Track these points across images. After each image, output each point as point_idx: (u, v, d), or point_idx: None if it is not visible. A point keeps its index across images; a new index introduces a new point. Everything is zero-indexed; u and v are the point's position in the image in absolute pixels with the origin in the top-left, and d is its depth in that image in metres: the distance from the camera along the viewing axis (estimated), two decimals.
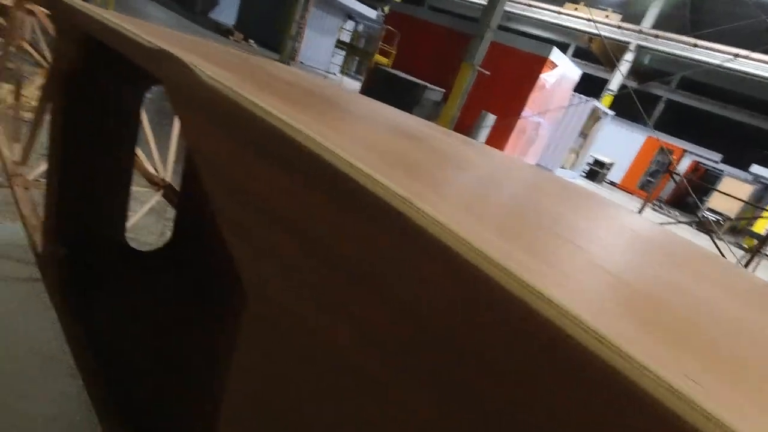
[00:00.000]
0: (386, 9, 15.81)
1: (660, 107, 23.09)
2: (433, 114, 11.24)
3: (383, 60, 12.98)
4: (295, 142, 0.34)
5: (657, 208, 16.71)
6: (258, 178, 0.36)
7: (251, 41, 17.44)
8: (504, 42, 10.59)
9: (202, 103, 0.40)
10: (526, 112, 10.69)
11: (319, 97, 0.64)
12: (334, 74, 16.00)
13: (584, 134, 15.72)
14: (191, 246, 1.02)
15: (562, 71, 11.31)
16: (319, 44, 19.28)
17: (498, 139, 10.55)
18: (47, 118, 1.24)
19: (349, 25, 19.60)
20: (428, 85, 11.13)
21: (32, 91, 1.79)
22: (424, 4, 19.71)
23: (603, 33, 16.66)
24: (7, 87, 1.45)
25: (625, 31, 18.80)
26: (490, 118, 9.95)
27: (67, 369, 0.97)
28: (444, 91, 11.36)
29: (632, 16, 19.53)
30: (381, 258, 0.29)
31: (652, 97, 22.60)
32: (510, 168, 0.74)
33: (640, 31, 18.61)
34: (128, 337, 0.89)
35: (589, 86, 18.00)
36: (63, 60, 0.60)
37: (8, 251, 1.95)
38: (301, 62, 17.32)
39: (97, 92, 0.71)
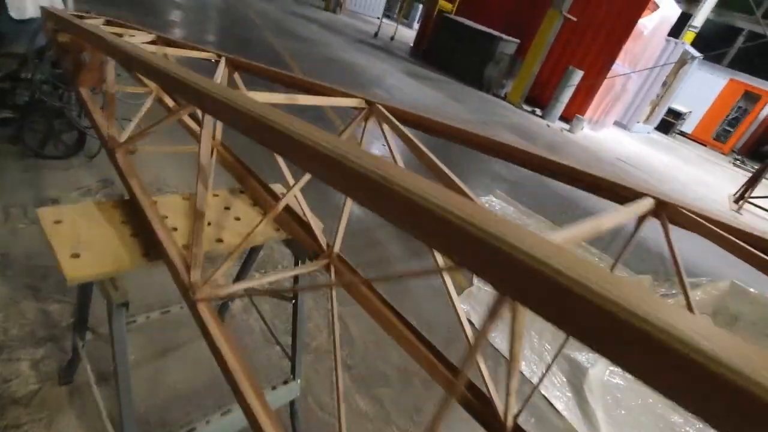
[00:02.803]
0: None
1: (739, 42, 20.28)
2: (508, 71, 10.08)
3: (446, 6, 11.65)
4: None
5: (739, 163, 15.20)
6: None
7: None
8: None
9: None
10: (619, 65, 9.39)
11: None
12: (383, 21, 14.65)
13: (665, 83, 13.99)
14: None
15: (663, 12, 9.75)
16: None
17: (582, 99, 9.39)
18: None
19: None
20: (503, 36, 9.90)
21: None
22: None
23: None
24: None
25: None
26: (578, 75, 8.74)
27: None
28: (518, 42, 10.10)
29: None
30: None
31: (733, 30, 19.78)
32: None
33: None
34: None
35: None
36: None
37: None
38: (351, 10, 15.95)
39: None
